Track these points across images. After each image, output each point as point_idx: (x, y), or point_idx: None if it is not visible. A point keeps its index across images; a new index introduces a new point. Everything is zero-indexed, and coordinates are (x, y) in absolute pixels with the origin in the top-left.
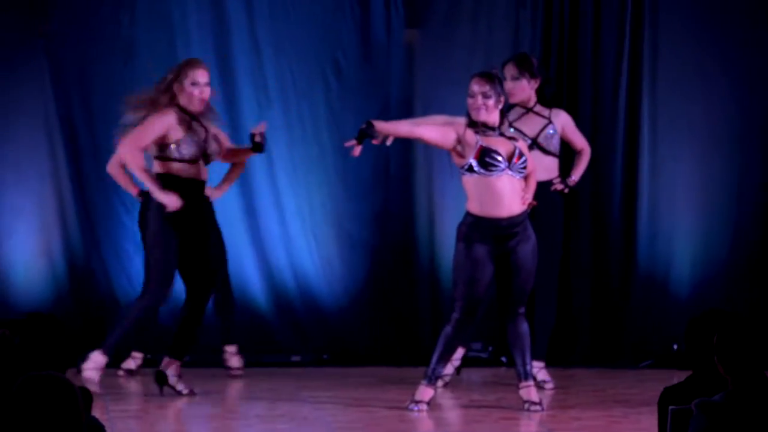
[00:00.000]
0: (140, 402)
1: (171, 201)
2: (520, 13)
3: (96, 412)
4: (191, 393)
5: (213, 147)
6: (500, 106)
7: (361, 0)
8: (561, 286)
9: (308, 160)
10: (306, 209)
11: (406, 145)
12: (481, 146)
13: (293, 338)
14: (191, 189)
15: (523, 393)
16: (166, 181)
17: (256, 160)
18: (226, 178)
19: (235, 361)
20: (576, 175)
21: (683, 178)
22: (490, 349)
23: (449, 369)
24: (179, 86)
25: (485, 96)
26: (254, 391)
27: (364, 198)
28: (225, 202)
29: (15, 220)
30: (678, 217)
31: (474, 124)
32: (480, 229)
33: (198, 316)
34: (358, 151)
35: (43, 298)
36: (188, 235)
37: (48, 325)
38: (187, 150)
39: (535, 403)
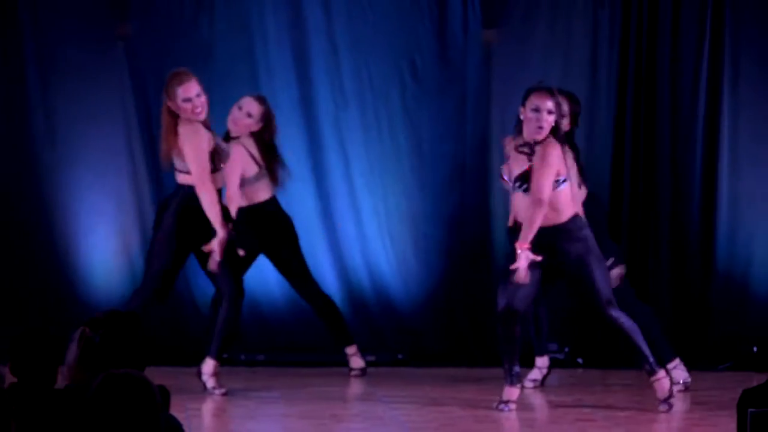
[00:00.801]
0: (218, 400)
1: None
2: (599, 12)
3: (174, 410)
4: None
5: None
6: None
7: (439, 0)
8: (640, 287)
9: (384, 161)
10: (382, 210)
11: (483, 145)
12: (505, 164)
13: (368, 338)
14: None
15: (655, 387)
16: (188, 194)
17: (332, 161)
18: None
19: (354, 361)
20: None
21: (763, 178)
22: (566, 350)
23: (537, 374)
24: (175, 105)
25: (550, 113)
26: (329, 390)
27: (440, 198)
28: (301, 203)
29: (95, 219)
30: (758, 218)
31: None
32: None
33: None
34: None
35: (122, 298)
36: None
37: (128, 322)
38: (224, 157)
39: (666, 400)
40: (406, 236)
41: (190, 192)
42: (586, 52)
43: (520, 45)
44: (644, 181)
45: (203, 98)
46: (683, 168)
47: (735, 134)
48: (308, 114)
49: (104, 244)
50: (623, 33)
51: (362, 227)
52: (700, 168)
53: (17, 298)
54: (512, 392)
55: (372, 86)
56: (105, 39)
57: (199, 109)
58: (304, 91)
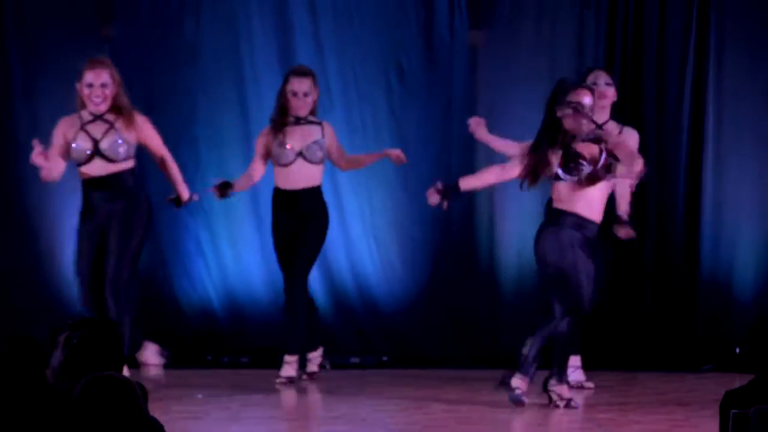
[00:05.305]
0: (201, 403)
1: None
2: (584, 13)
3: (157, 413)
4: None
5: (107, 144)
6: None
7: (425, 2)
8: (625, 289)
9: None
10: (367, 211)
11: (468, 147)
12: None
13: (353, 340)
14: (88, 188)
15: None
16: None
17: None
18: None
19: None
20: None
21: (748, 181)
22: None
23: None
24: (80, 87)
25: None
26: (313, 392)
27: (425, 200)
28: None
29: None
30: (742, 221)
31: None
32: None
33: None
34: (445, 206)
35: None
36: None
37: (104, 325)
38: (75, 152)
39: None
40: (391, 238)
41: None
42: (572, 53)
43: (506, 46)
44: None
45: (104, 91)
46: (668, 171)
47: (719, 137)
48: None
49: None
50: (609, 34)
51: (347, 229)
52: (685, 171)
53: (3, 302)
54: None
55: (358, 88)
56: (90, 40)
57: (94, 98)
58: None
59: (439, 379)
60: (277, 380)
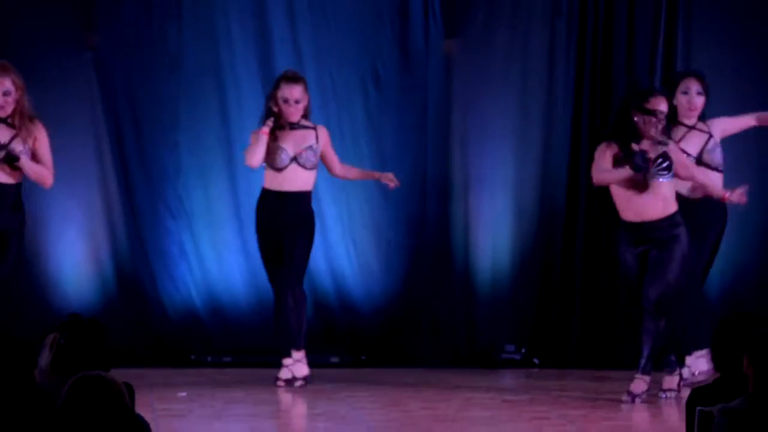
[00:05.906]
0: (185, 401)
1: None
2: (556, 21)
3: (141, 410)
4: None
5: (18, 149)
6: None
7: (401, 10)
8: (595, 288)
9: None
10: (345, 215)
11: (443, 152)
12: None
13: (332, 340)
14: None
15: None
16: None
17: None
18: None
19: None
20: None
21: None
22: (523, 350)
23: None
24: None
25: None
26: (294, 390)
27: (401, 204)
28: None
29: (64, 225)
30: None
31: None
32: None
33: None
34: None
35: (92, 302)
36: None
37: (91, 325)
38: None
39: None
40: (369, 241)
41: None
42: (544, 61)
43: (479, 54)
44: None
45: (11, 98)
46: None
47: None
48: None
49: (73, 250)
50: (579, 41)
51: (326, 233)
52: None
53: None
54: (668, 380)
55: (335, 95)
56: (73, 48)
57: None
58: None
59: (416, 378)
60: (278, 383)
